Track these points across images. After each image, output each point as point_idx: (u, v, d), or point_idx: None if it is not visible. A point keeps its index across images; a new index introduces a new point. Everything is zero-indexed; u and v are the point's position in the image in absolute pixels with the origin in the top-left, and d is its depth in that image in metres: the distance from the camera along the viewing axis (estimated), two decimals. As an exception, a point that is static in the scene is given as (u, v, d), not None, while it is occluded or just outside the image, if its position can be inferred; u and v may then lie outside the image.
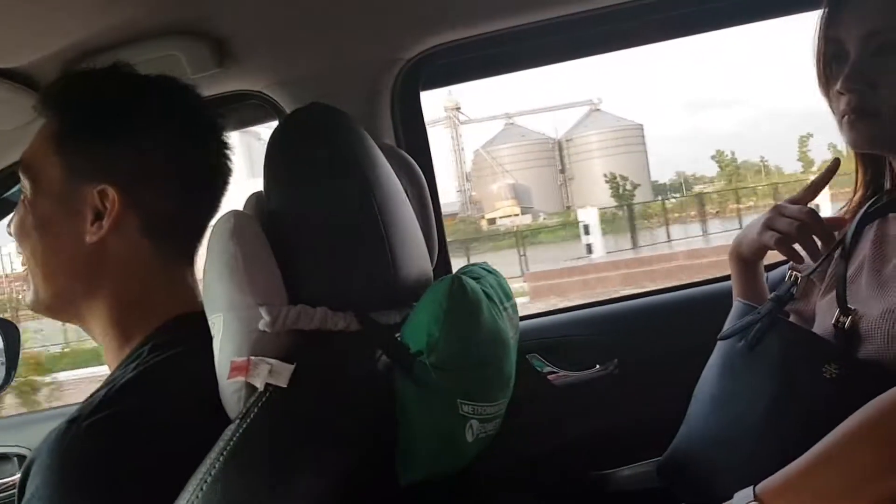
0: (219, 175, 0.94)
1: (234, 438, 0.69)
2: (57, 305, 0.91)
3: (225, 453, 0.68)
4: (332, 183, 0.81)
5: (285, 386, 0.71)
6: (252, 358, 0.72)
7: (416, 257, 0.87)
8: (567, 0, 1.21)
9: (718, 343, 0.96)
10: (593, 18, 1.28)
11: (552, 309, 1.54)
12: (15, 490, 0.77)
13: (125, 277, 0.87)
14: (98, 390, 0.79)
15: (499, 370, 0.83)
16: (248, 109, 1.35)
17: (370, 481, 0.75)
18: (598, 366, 1.38)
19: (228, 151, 0.94)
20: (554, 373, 1.39)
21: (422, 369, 0.75)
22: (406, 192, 1.09)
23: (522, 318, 1.50)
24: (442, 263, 1.34)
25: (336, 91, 1.23)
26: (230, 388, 0.74)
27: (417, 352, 0.76)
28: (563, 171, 40.20)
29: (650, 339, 1.39)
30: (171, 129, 0.89)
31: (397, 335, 0.79)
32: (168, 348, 0.82)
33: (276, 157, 0.83)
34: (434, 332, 0.75)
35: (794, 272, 0.97)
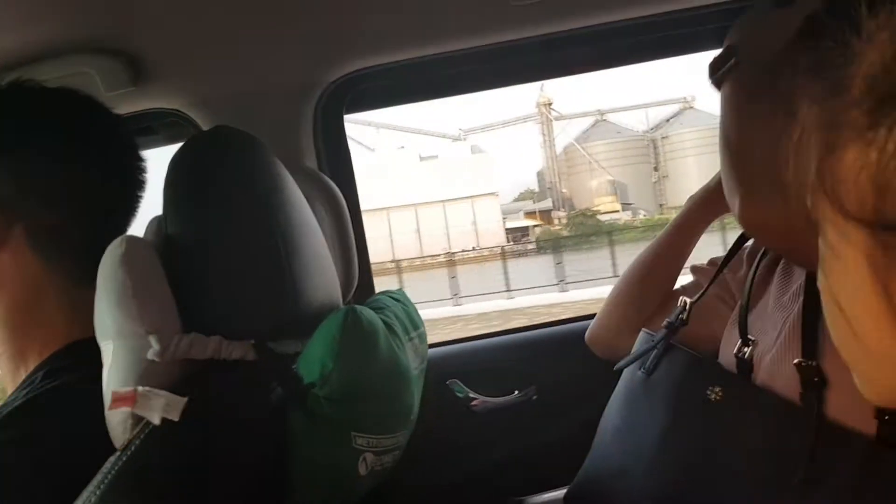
0: (123, 196, 0.91)
1: (113, 470, 0.67)
2: None
3: (103, 486, 0.66)
4: (231, 208, 0.79)
5: (177, 419, 0.69)
6: (139, 389, 0.71)
7: (321, 286, 0.86)
8: (492, 29, 1.23)
9: (623, 373, 0.98)
10: (526, 47, 1.29)
11: (473, 335, 1.54)
12: None
13: (15, 295, 0.85)
14: None
15: (397, 402, 0.83)
16: (172, 127, 1.33)
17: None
18: (516, 391, 1.39)
19: (136, 170, 0.92)
20: (473, 399, 1.39)
21: (314, 401, 0.74)
22: (323, 215, 1.08)
23: (444, 344, 1.50)
24: (365, 287, 1.34)
25: (255, 112, 1.22)
26: (116, 419, 0.72)
27: (311, 383, 0.75)
28: (657, 168, 40.25)
29: (569, 365, 1.40)
30: (68, 145, 0.86)
31: (294, 366, 0.78)
32: (61, 374, 0.80)
33: (175, 180, 0.81)
34: (328, 363, 0.75)
35: (684, 298, 0.98)
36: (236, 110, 1.21)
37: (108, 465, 0.68)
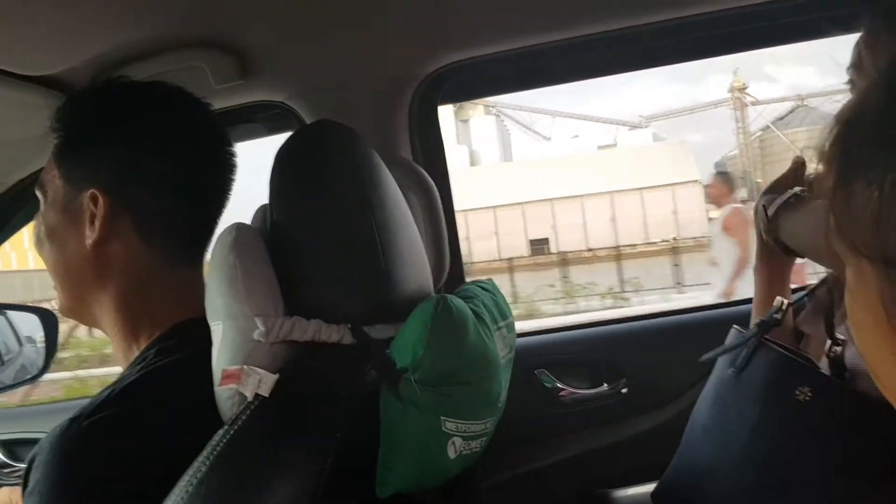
0: (216, 182, 0.96)
1: (222, 443, 0.72)
2: (74, 309, 0.96)
3: (212, 457, 0.71)
4: (331, 198, 0.83)
5: (267, 395, 0.73)
6: (244, 367, 0.75)
7: (414, 273, 0.89)
8: (582, 22, 1.22)
9: (713, 371, 0.97)
10: (616, 38, 1.28)
11: (562, 326, 1.54)
12: None
13: (126, 280, 0.91)
14: (103, 390, 0.82)
15: (485, 389, 0.85)
16: (274, 118, 1.39)
17: (350, 492, 0.77)
18: (605, 385, 1.39)
19: (230, 159, 0.97)
20: (562, 389, 1.40)
21: (407, 385, 0.77)
22: (417, 205, 1.11)
23: (534, 334, 1.51)
24: (456, 276, 1.36)
25: (354, 103, 1.26)
26: (224, 395, 0.77)
27: (403, 368, 0.78)
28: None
29: (660, 360, 1.39)
30: (163, 136, 0.92)
31: (388, 350, 0.82)
32: (172, 352, 0.86)
33: (281, 172, 0.86)
34: (418, 349, 0.77)
35: (781, 298, 0.96)
36: (336, 102, 1.25)
37: (216, 437, 0.72)
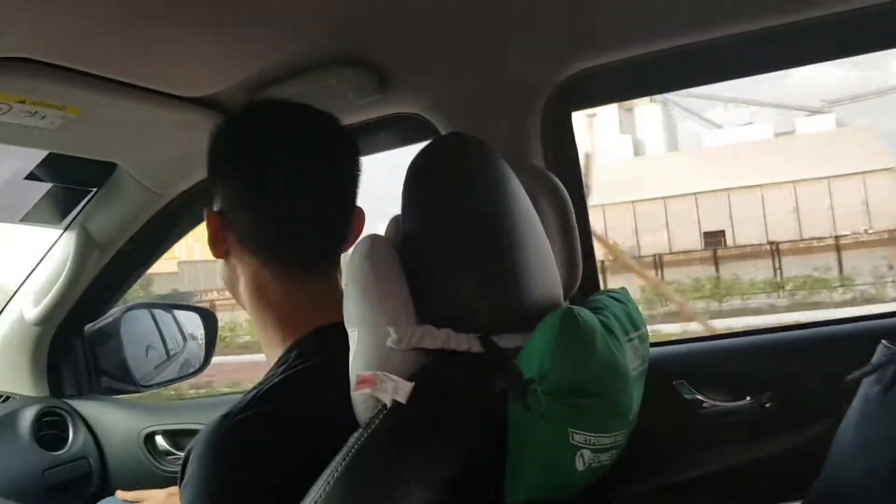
0: (338, 197, 1.00)
1: (357, 445, 0.76)
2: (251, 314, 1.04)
3: (348, 458, 0.75)
4: (460, 209, 0.85)
5: (404, 402, 0.76)
6: (378, 373, 0.79)
7: (543, 283, 0.89)
8: (725, 20, 1.18)
9: (860, 387, 0.91)
10: (759, 37, 1.23)
11: (702, 336, 1.49)
12: None
13: (253, 289, 0.98)
14: (250, 390, 0.89)
15: (614, 401, 0.84)
16: (410, 129, 1.44)
17: (478, 497, 0.79)
18: (748, 397, 1.33)
19: (351, 170, 1.01)
20: (703, 401, 1.36)
21: (533, 396, 0.78)
22: (548, 213, 1.11)
23: (670, 343, 1.48)
24: (590, 285, 1.35)
25: (487, 113, 1.28)
26: (360, 398, 0.81)
27: (530, 379, 0.79)
28: None
29: (806, 374, 1.32)
30: (276, 155, 0.96)
31: (516, 360, 0.83)
32: (311, 357, 0.91)
33: (412, 183, 0.89)
34: (545, 361, 0.78)
35: None
36: (469, 112, 1.28)
37: (352, 439, 0.76)
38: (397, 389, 0.78)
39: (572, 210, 1.14)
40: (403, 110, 1.33)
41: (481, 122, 1.26)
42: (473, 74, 1.25)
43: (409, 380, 0.78)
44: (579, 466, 0.80)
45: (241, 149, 0.98)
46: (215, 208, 0.98)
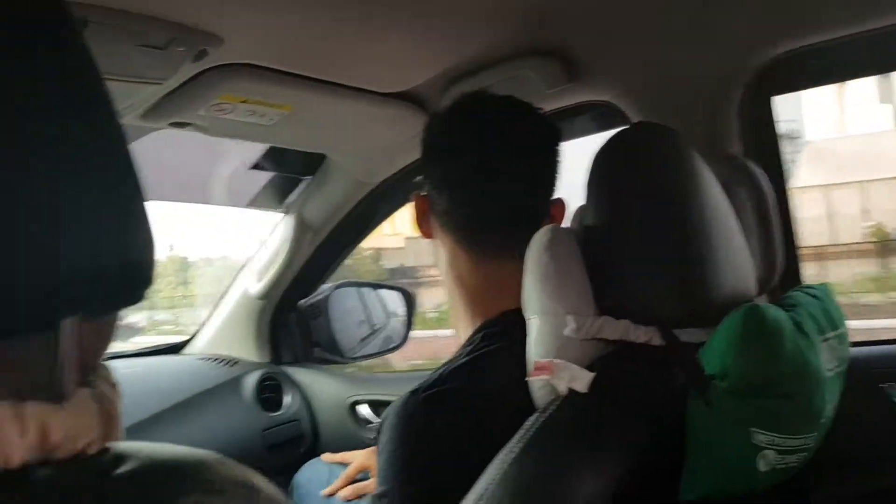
0: (537, 181, 1.04)
1: (534, 428, 0.78)
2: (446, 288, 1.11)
3: (525, 440, 0.77)
4: (645, 200, 0.85)
5: (582, 391, 0.78)
6: (555, 361, 0.81)
7: (731, 278, 0.87)
8: None
9: None
10: None
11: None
12: None
13: (453, 270, 1.04)
14: (439, 368, 0.95)
15: (804, 403, 0.80)
16: (601, 117, 1.43)
17: (653, 489, 0.79)
18: None
19: (550, 159, 1.05)
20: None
21: (714, 393, 0.76)
22: (745, 205, 1.07)
23: (878, 343, 1.35)
24: (791, 280, 1.27)
25: (681, 100, 1.24)
26: (538, 384, 0.83)
27: (711, 375, 0.77)
28: None
29: None
30: (475, 144, 1.02)
31: (697, 355, 0.81)
32: (497, 339, 0.95)
33: (597, 173, 0.89)
34: (727, 359, 0.76)
35: None
36: (662, 100, 1.25)
37: (529, 422, 0.79)
38: (574, 378, 0.79)
39: (772, 201, 1.08)
40: (594, 98, 1.32)
41: (674, 110, 1.23)
42: (667, 61, 1.22)
43: (587, 369, 0.79)
44: (762, 467, 0.77)
45: (446, 137, 1.05)
46: (423, 193, 1.06)
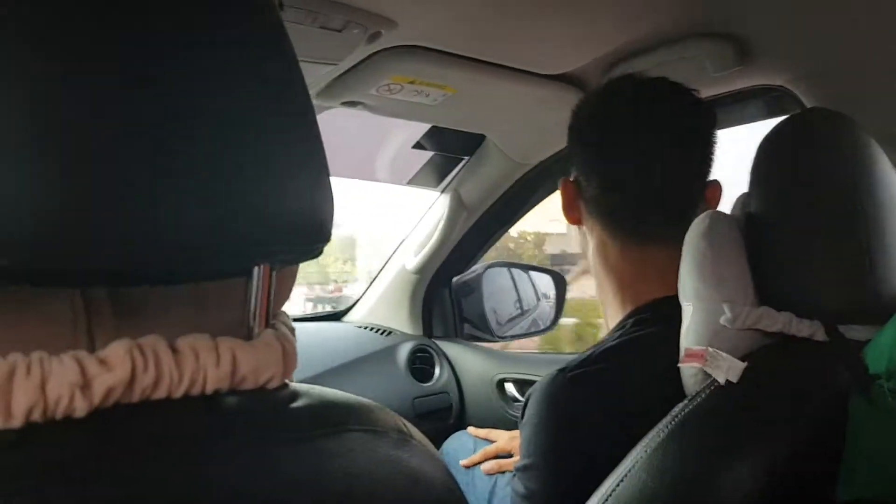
0: (691, 168, 1.01)
1: (681, 415, 0.78)
2: (593, 273, 1.12)
3: (670, 426, 0.77)
4: (816, 189, 0.81)
5: (735, 382, 0.76)
6: (709, 349, 0.80)
7: None
8: None
9: None
10: None
11: None
12: None
13: (601, 256, 1.04)
14: (587, 350, 0.96)
15: None
16: (772, 102, 1.36)
17: (806, 486, 0.76)
18: None
19: (706, 145, 1.02)
20: None
21: (879, 392, 0.73)
22: None
23: None
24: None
25: (861, 85, 1.16)
26: (689, 371, 0.83)
27: (876, 374, 0.74)
28: None
29: None
30: (634, 126, 1.00)
31: (861, 353, 0.77)
32: (647, 325, 0.95)
33: (764, 159, 0.86)
34: (895, 357, 0.72)
35: None
36: (838, 86, 1.17)
37: (677, 408, 0.79)
38: (729, 368, 0.78)
39: None
40: (765, 82, 1.27)
41: (854, 96, 1.15)
42: (849, 43, 1.14)
43: (741, 360, 0.78)
44: None
45: (595, 121, 1.04)
46: (570, 178, 1.06)
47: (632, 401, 0.86)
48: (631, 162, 0.99)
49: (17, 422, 0.30)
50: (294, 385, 0.41)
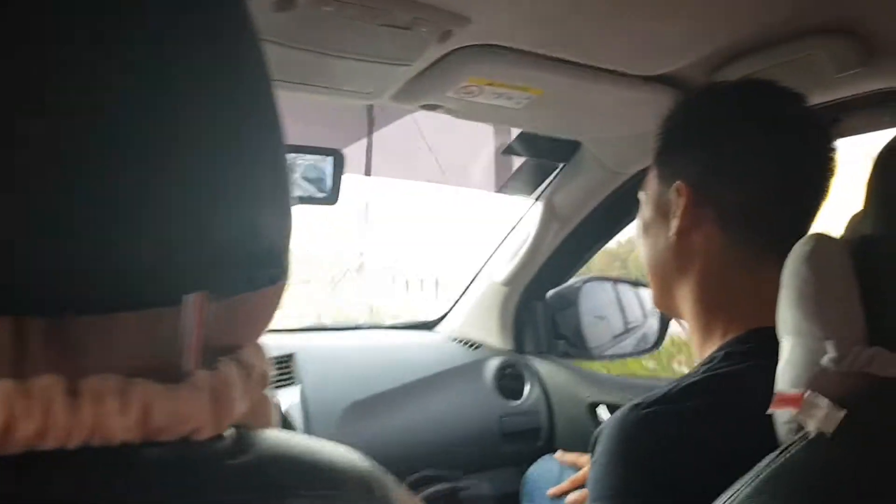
0: (810, 181, 0.91)
1: (769, 469, 0.67)
2: (661, 301, 1.02)
3: (755, 481, 0.67)
4: None
5: (829, 433, 0.65)
6: (808, 393, 0.68)
7: None
8: None
9: None
10: None
11: None
12: None
13: (706, 272, 0.92)
14: (668, 384, 0.85)
15: None
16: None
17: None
18: None
19: (828, 159, 0.91)
20: None
21: None
22: None
23: None
24: None
25: None
26: (783, 417, 0.71)
27: None
28: None
29: None
30: (752, 133, 0.90)
31: None
32: (739, 360, 0.84)
33: (880, 174, 0.74)
34: None
35: None
36: None
37: (765, 461, 0.68)
38: (827, 417, 0.66)
39: None
40: (893, 85, 1.12)
41: None
42: None
43: (842, 406, 0.66)
44: None
45: (701, 123, 0.95)
46: (678, 180, 0.94)
47: (713, 447, 0.76)
48: (741, 171, 0.90)
49: None
50: (249, 434, 0.34)
